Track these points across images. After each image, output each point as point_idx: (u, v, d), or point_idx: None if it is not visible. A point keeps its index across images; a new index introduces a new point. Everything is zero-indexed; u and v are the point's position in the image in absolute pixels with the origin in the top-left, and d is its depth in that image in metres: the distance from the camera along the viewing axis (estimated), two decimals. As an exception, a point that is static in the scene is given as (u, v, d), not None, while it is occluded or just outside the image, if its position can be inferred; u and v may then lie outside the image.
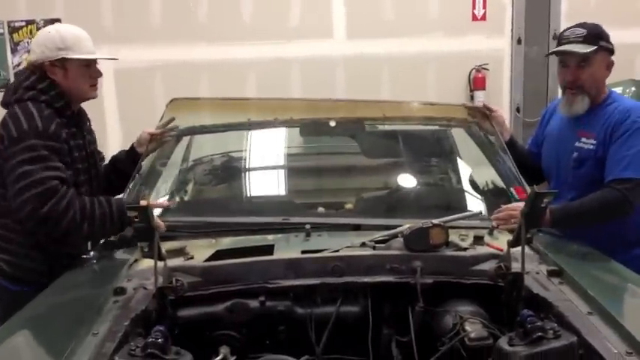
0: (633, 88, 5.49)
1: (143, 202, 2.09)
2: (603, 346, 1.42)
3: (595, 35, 2.30)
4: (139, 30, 5.73)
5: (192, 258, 2.07)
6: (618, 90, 5.43)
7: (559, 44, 2.38)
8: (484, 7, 6.04)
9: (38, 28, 5.78)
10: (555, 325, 1.55)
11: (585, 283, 1.72)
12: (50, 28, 2.40)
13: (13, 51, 5.77)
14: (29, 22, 5.79)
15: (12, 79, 5.69)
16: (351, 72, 5.96)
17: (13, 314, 1.76)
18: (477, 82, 6.07)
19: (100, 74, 2.44)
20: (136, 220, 1.72)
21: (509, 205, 2.27)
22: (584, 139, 2.34)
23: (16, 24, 5.77)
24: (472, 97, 6.09)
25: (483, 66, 6.05)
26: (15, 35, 5.78)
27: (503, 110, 6.25)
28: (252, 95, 5.63)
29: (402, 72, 5.97)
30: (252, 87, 5.84)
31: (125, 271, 1.98)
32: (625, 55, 5.90)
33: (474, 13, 6.05)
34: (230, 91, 5.34)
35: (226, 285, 1.91)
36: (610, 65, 2.36)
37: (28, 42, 5.80)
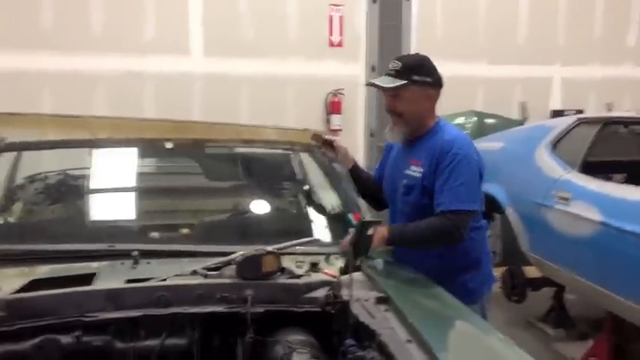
0: (475, 118, 5.90)
1: None
2: None
3: (408, 69, 2.38)
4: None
5: (-2, 290, 1.85)
6: (461, 120, 5.82)
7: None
8: (340, 34, 6.23)
9: None
10: (376, 354, 1.56)
11: (408, 310, 1.75)
12: None
13: None
14: None
15: None
16: (207, 91, 5.85)
17: None
18: (333, 106, 6.23)
19: None
20: None
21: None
22: (413, 167, 2.43)
23: None
24: (328, 121, 6.22)
25: (339, 91, 6.22)
26: None
27: (358, 134, 6.46)
28: (102, 111, 5.34)
29: (260, 93, 5.97)
30: (101, 101, 5.54)
31: None
32: (468, 87, 6.40)
33: (330, 39, 6.22)
34: (76, 105, 5.02)
35: (36, 319, 1.72)
36: (431, 97, 2.44)
37: None
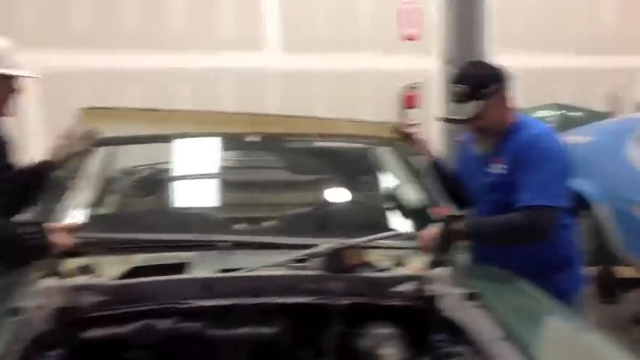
0: (558, 112, 5.72)
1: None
2: None
3: (476, 87, 2.27)
4: (63, 35, 5.54)
5: (100, 276, 1.96)
6: (544, 114, 5.65)
7: (449, 97, 2.41)
8: (414, 27, 6.17)
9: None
10: (466, 350, 1.54)
11: (499, 307, 1.73)
12: None
13: None
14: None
15: None
16: (284, 86, 5.96)
17: None
18: (407, 101, 6.18)
19: (17, 92, 2.28)
20: (31, 237, 1.62)
21: (425, 230, 2.27)
22: (495, 165, 2.37)
23: None
24: (403, 115, 6.18)
25: (414, 84, 6.17)
26: None
27: (434, 129, 6.39)
28: (182, 105, 5.52)
29: (335, 88, 6.02)
30: (181, 97, 5.74)
31: (24, 290, 1.85)
32: (549, 80, 6.22)
33: (404, 33, 6.17)
34: (158, 101, 5.22)
35: (136, 305, 1.82)
36: (507, 99, 2.35)
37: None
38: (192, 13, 5.78)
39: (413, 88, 6.14)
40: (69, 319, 1.72)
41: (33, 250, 1.65)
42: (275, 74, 5.91)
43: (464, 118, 2.30)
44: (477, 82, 2.29)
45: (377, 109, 5.98)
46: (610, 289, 4.37)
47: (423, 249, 2.20)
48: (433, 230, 2.20)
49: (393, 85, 6.19)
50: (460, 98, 2.30)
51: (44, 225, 1.66)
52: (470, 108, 2.28)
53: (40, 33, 5.46)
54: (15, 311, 1.68)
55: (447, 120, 2.41)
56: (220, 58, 5.80)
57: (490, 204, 2.38)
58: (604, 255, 4.07)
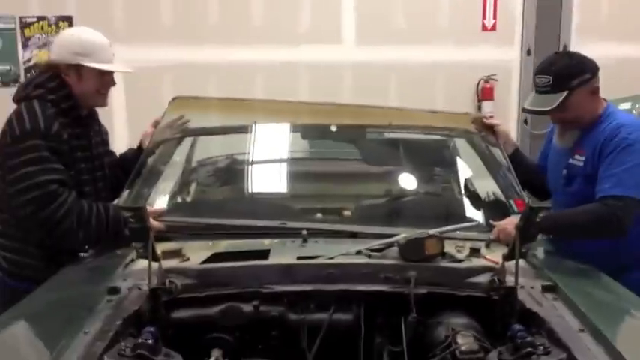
0: (643, 103, 5.48)
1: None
2: None
3: (563, 79, 2.24)
4: (149, 30, 5.77)
5: (187, 260, 2.08)
6: (627, 105, 5.42)
7: (534, 87, 2.36)
8: (494, 17, 6.04)
9: (50, 25, 5.84)
10: (546, 341, 1.55)
11: (579, 300, 1.72)
12: (73, 30, 2.40)
13: (24, 46, 5.82)
14: (40, 18, 5.85)
15: (22, 74, 5.74)
16: (358, 78, 5.98)
17: (9, 309, 1.78)
18: (485, 93, 6.08)
19: (113, 84, 2.45)
20: (132, 220, 1.74)
21: (502, 222, 2.26)
22: (576, 156, 2.32)
23: (28, 19, 5.83)
24: (480, 107, 6.09)
25: (492, 76, 6.06)
26: (26, 30, 5.83)
27: (511, 122, 6.26)
28: (261, 97, 5.66)
29: (410, 80, 5.98)
30: (259, 90, 5.86)
31: (121, 271, 1.99)
32: (635, 70, 5.93)
33: (484, 24, 6.05)
34: (237, 94, 5.35)
35: (221, 288, 1.91)
36: (594, 91, 2.30)
37: (39, 38, 5.86)
38: (273, 8, 5.91)
39: (489, 80, 6.04)
40: (161, 300, 1.84)
41: (135, 233, 1.77)
42: (350, 67, 5.96)
43: (548, 109, 2.27)
44: (563, 73, 2.26)
45: (452, 102, 5.90)
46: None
47: (500, 240, 2.20)
48: (510, 222, 2.19)
49: (470, 77, 6.10)
50: (545, 89, 2.27)
51: (145, 210, 1.78)
52: (555, 99, 2.25)
53: (130, 29, 5.73)
54: (114, 290, 1.82)
55: (531, 111, 2.38)
56: (297, 52, 5.92)
57: (568, 195, 2.34)
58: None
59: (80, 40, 2.33)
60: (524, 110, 2.45)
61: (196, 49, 5.77)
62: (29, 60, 5.77)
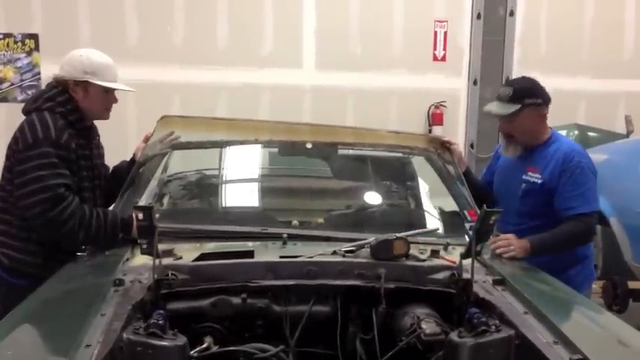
0: (577, 132, 5.96)
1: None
2: (535, 337, 1.72)
3: (521, 94, 2.63)
4: (114, 50, 5.91)
5: (180, 258, 2.28)
6: (562, 133, 5.89)
7: (497, 96, 2.74)
8: (444, 49, 6.47)
9: (15, 42, 5.93)
10: (497, 321, 1.84)
11: (523, 290, 2.03)
12: (82, 51, 2.59)
13: (-10, 62, 5.87)
14: (6, 35, 5.93)
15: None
16: (317, 101, 6.27)
17: (8, 305, 1.92)
18: (435, 118, 6.46)
19: (115, 101, 2.67)
20: (141, 219, 1.95)
21: (502, 236, 2.59)
22: (530, 173, 2.71)
23: (-6, 37, 5.88)
24: (430, 132, 6.47)
25: (441, 103, 6.45)
26: (-8, 47, 5.88)
27: (459, 145, 6.66)
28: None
29: (365, 104, 6.31)
30: (222, 110, 6.08)
31: (121, 267, 2.19)
32: (570, 101, 6.46)
33: (434, 54, 6.47)
34: (201, 113, 5.55)
35: (212, 283, 2.12)
36: (542, 115, 2.70)
37: (4, 54, 5.93)
38: (235, 33, 6.17)
39: (439, 106, 6.43)
40: (160, 292, 2.04)
41: (143, 230, 1.97)
42: (309, 90, 6.26)
43: (502, 113, 2.65)
44: (523, 90, 2.66)
45: (405, 126, 6.19)
46: (621, 298, 4.60)
47: (505, 253, 2.51)
48: (509, 237, 2.54)
49: (421, 103, 6.47)
50: (504, 98, 2.66)
51: (153, 209, 1.98)
52: (509, 108, 2.62)
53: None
54: (119, 282, 2.01)
55: (487, 112, 2.75)
56: (259, 75, 6.18)
57: (524, 205, 2.71)
58: (615, 268, 4.32)
59: (89, 60, 2.55)
60: (486, 112, 2.81)
61: (160, 69, 5.95)
62: (-5, 76, 5.83)
